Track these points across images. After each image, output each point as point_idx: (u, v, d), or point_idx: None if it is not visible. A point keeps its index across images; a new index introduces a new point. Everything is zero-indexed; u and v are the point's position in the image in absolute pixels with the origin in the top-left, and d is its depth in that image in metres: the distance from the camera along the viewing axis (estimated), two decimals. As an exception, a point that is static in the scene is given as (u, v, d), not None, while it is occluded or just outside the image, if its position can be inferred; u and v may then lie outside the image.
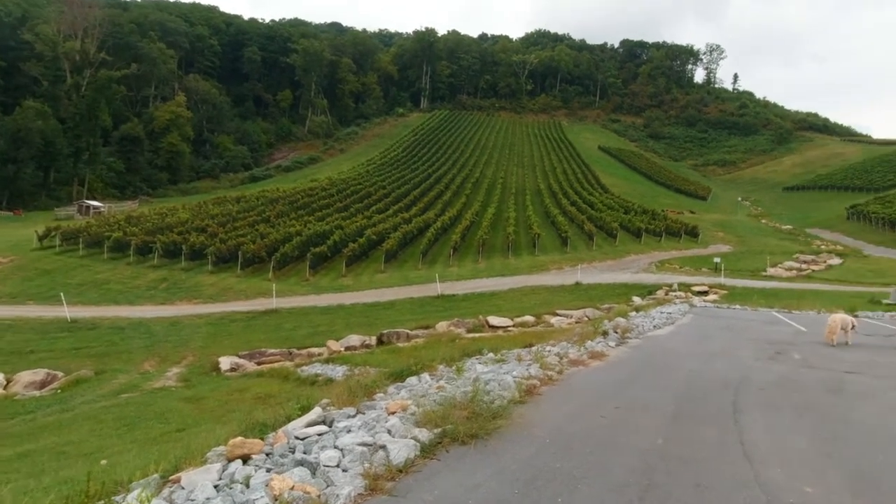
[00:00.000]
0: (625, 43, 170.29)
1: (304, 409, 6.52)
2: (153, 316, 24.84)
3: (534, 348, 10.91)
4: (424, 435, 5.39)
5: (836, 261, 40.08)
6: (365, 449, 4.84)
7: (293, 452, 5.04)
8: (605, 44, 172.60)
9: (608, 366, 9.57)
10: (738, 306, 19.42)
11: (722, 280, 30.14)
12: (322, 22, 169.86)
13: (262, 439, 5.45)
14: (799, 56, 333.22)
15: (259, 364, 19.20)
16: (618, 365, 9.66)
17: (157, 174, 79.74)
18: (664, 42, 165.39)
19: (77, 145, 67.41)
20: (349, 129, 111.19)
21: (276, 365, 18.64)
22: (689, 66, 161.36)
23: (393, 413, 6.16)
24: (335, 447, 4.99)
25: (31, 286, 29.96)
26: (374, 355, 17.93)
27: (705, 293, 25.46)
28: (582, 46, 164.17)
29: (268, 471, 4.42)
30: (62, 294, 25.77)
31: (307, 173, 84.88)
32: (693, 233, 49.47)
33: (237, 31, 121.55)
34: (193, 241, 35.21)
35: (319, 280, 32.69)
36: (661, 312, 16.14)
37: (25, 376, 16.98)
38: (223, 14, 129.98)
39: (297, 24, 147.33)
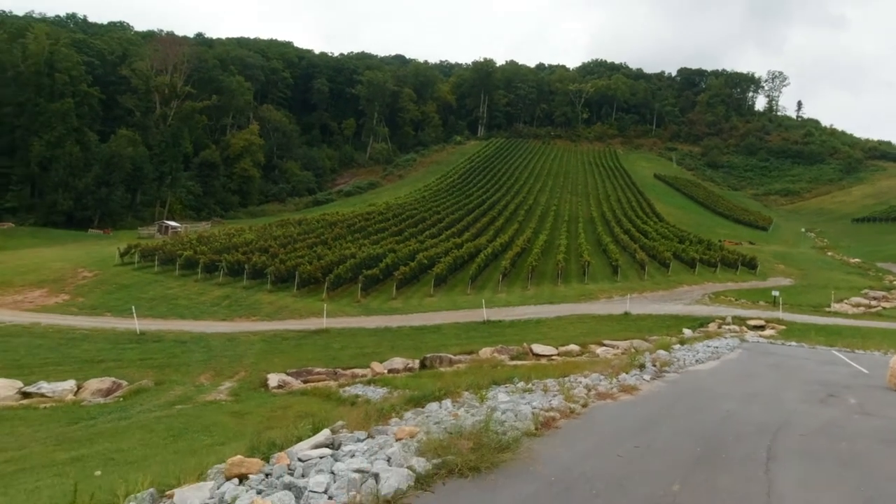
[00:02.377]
0: (682, 71, 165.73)
1: (315, 430, 6.58)
2: (213, 331, 26.06)
3: (563, 379, 10.63)
4: (422, 465, 5.24)
5: (910, 297, 36.74)
6: (357, 476, 4.72)
7: (291, 474, 4.97)
8: (663, 72, 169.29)
9: (638, 401, 9.17)
10: (793, 343, 18.07)
11: (780, 315, 28.30)
12: (387, 54, 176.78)
13: (266, 459, 5.53)
14: (868, 83, 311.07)
15: (305, 382, 19.74)
16: (648, 400, 9.24)
17: (230, 197, 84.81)
18: (723, 70, 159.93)
19: (161, 170, 73.22)
20: (408, 155, 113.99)
21: (320, 384, 19.08)
22: (750, 94, 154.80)
23: (400, 439, 6.08)
24: (331, 472, 4.90)
25: (110, 299, 32.38)
26: (414, 379, 18.04)
27: (761, 328, 23.89)
28: (639, 75, 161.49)
29: (259, 493, 4.37)
30: (133, 308, 27.71)
31: (367, 198, 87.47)
32: (751, 264, 46.67)
33: (308, 65, 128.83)
34: (255, 261, 36.96)
35: (370, 302, 33.35)
36: (707, 346, 15.21)
37: (93, 384, 18.28)
38: (297, 49, 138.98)
39: (363, 56, 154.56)
